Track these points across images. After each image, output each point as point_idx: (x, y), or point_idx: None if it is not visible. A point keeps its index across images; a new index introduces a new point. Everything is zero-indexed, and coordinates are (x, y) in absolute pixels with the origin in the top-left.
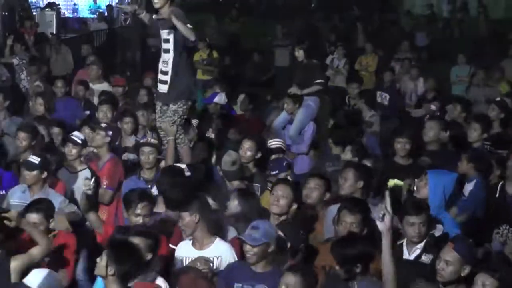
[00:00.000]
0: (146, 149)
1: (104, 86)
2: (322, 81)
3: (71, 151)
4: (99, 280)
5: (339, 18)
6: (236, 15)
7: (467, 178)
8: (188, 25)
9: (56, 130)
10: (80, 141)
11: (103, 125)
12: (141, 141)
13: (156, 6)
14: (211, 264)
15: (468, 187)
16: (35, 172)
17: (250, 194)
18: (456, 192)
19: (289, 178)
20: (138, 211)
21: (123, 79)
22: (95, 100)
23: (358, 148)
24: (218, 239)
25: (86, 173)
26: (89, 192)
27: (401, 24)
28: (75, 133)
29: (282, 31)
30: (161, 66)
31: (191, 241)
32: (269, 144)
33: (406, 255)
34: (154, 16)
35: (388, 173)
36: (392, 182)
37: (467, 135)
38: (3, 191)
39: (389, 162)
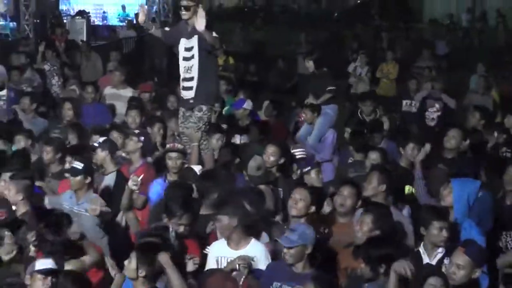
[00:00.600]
0: (173, 154)
1: (128, 91)
2: (334, 88)
3: (96, 155)
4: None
5: (361, 27)
6: (260, 23)
7: None
8: (214, 34)
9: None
10: (97, 145)
11: (136, 131)
12: (168, 146)
13: (184, 17)
14: (251, 263)
15: None
16: (79, 178)
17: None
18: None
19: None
20: (183, 221)
21: (150, 85)
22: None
23: (382, 153)
24: (253, 240)
25: (112, 176)
26: (135, 188)
27: (421, 33)
28: (94, 137)
29: (306, 39)
30: (183, 73)
31: (226, 241)
32: (293, 153)
33: (426, 260)
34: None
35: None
36: (407, 188)
37: (487, 142)
38: None
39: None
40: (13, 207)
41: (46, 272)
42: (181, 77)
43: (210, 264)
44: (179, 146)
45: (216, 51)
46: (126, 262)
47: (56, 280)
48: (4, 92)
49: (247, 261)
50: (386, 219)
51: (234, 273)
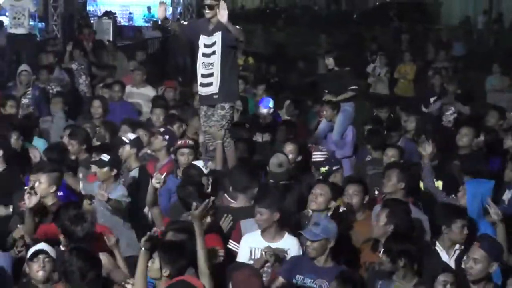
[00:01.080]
0: (185, 150)
1: (148, 90)
2: (356, 87)
3: (122, 151)
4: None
5: (380, 28)
6: (282, 25)
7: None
8: (237, 26)
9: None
10: (127, 141)
11: (161, 129)
12: (179, 142)
13: (208, 16)
14: (285, 255)
15: (509, 195)
16: (105, 169)
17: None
18: (495, 199)
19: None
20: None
21: (174, 82)
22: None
23: (399, 151)
24: (287, 233)
25: (136, 171)
26: (158, 185)
27: (438, 35)
28: (127, 134)
29: (326, 40)
30: (202, 70)
31: (260, 233)
32: (313, 157)
33: (445, 258)
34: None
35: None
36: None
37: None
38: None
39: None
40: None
41: (33, 255)
42: (200, 73)
43: (243, 254)
44: (190, 142)
45: (240, 44)
46: (149, 263)
47: (49, 258)
48: (29, 90)
49: (275, 252)
50: (401, 214)
51: (267, 264)
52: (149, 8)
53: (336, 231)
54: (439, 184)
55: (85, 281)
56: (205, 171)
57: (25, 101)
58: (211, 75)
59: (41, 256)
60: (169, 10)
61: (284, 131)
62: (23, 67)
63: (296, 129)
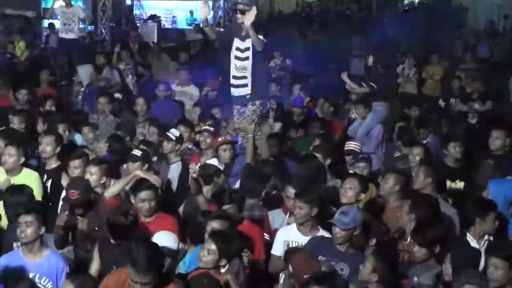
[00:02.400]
0: (227, 146)
1: (190, 89)
2: (373, 84)
3: (166, 145)
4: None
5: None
6: (317, 28)
7: None
8: (260, 36)
9: (152, 128)
10: (174, 138)
11: (207, 126)
12: (220, 139)
13: (240, 21)
14: None
15: None
16: (137, 164)
17: None
18: None
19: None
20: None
21: (216, 82)
22: None
23: (425, 149)
24: (321, 228)
25: (179, 164)
26: (194, 175)
27: (465, 37)
28: (172, 130)
29: (358, 42)
30: (235, 72)
31: (296, 227)
32: (345, 146)
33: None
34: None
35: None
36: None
37: None
38: None
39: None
40: None
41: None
42: (232, 74)
43: (278, 247)
44: (229, 138)
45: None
46: (202, 254)
47: None
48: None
49: None
50: (423, 205)
51: None
52: (191, 12)
53: (362, 220)
54: (461, 184)
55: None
56: (221, 168)
57: (79, 98)
58: (244, 77)
59: None
60: (210, 14)
61: (317, 128)
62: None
63: (329, 126)
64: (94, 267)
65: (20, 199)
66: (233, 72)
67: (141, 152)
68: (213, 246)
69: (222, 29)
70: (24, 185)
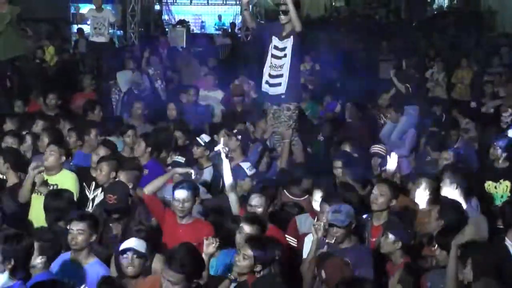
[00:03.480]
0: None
1: (219, 93)
2: (408, 86)
3: (195, 151)
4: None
5: (438, 36)
6: (345, 32)
7: None
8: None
9: (178, 133)
10: (203, 143)
11: (235, 130)
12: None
13: (283, 22)
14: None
15: None
16: (201, 148)
17: None
18: None
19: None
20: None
21: (241, 87)
22: None
23: (455, 153)
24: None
25: (210, 169)
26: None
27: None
28: (202, 135)
29: (386, 47)
30: (271, 70)
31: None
32: (371, 149)
33: None
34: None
35: (485, 176)
36: (487, 184)
37: None
38: None
39: (485, 166)
40: None
41: (122, 251)
42: (267, 72)
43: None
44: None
45: (299, 33)
46: (237, 259)
47: (138, 254)
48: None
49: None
50: (452, 210)
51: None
52: (219, 17)
53: (353, 213)
54: (507, 184)
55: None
56: (249, 173)
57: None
58: (280, 76)
59: (129, 253)
60: (239, 19)
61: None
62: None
63: (357, 131)
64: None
65: (59, 204)
66: (268, 70)
67: (184, 159)
68: (249, 252)
69: (262, 21)
70: (63, 190)
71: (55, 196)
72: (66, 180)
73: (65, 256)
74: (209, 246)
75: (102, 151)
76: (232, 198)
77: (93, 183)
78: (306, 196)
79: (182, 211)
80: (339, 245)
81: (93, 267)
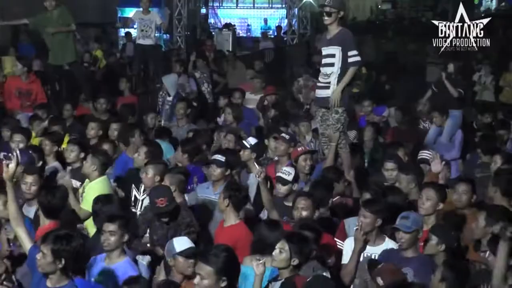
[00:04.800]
0: (308, 156)
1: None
2: (462, 91)
3: (242, 154)
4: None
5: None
6: (391, 35)
7: None
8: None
9: (229, 136)
10: (249, 146)
11: (285, 135)
12: (299, 149)
13: (326, 22)
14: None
15: None
16: (220, 170)
17: None
18: None
19: None
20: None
21: (273, 87)
22: None
23: (504, 157)
24: (387, 238)
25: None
26: (260, 179)
27: None
28: (248, 138)
29: (433, 50)
30: (321, 78)
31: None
32: (419, 155)
33: None
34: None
35: None
36: None
37: None
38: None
39: None
40: None
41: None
42: (319, 78)
43: (348, 258)
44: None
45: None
46: (275, 254)
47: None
48: (171, 98)
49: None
50: (497, 217)
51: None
52: (265, 20)
53: (422, 223)
54: None
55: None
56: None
57: (166, 107)
58: (327, 83)
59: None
60: (284, 22)
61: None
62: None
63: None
64: (160, 280)
65: (109, 208)
66: (320, 77)
67: (224, 158)
68: (284, 245)
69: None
70: (112, 195)
71: (104, 202)
72: (99, 182)
73: (101, 257)
74: (259, 267)
75: (144, 151)
76: (274, 216)
77: (142, 184)
78: (337, 197)
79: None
80: (403, 253)
81: (123, 266)
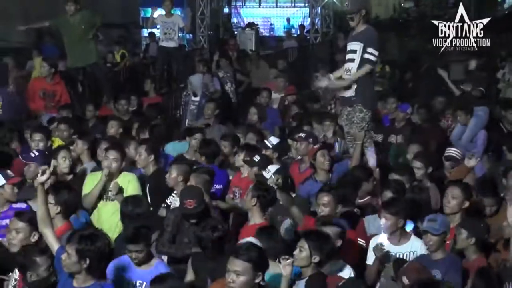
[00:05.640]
0: (325, 151)
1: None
2: (482, 89)
3: (264, 153)
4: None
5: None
6: (414, 33)
7: None
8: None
9: (250, 135)
10: (270, 145)
11: (302, 135)
12: (315, 146)
13: (352, 25)
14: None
15: None
16: (255, 169)
17: None
18: None
19: None
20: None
21: (294, 87)
22: None
23: None
24: (413, 236)
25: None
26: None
27: None
28: (270, 138)
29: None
30: (344, 73)
31: (387, 236)
32: (446, 152)
33: None
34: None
35: None
36: None
37: None
38: (220, 185)
39: None
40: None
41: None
42: (342, 76)
43: (372, 257)
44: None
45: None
46: (296, 252)
47: None
48: (197, 98)
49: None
50: None
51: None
52: (288, 20)
53: (449, 225)
54: None
55: None
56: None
57: (192, 107)
58: (350, 72)
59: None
60: (307, 21)
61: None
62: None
63: (429, 133)
64: (188, 280)
65: (138, 210)
66: (344, 73)
67: (259, 157)
68: (303, 243)
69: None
70: (140, 196)
71: (132, 203)
72: (127, 180)
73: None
74: (286, 267)
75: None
76: (294, 212)
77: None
78: (367, 198)
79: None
80: (431, 255)
81: (159, 268)
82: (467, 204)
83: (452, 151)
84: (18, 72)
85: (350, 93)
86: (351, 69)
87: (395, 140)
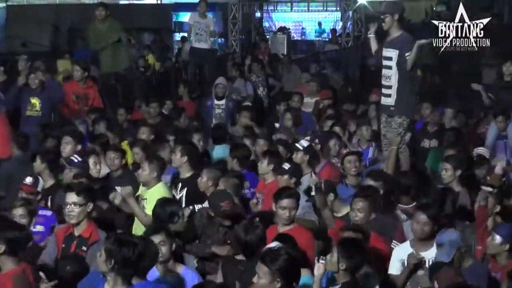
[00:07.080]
0: (352, 157)
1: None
2: (492, 97)
3: (295, 156)
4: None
5: None
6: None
7: None
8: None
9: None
10: (301, 148)
11: (301, 144)
12: (345, 151)
13: (385, 28)
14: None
15: None
16: (285, 177)
17: None
18: None
19: None
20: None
21: (328, 91)
22: None
23: None
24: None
25: (307, 177)
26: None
27: None
28: (301, 141)
29: (490, 51)
30: (383, 80)
31: (409, 244)
32: (475, 151)
33: None
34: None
35: None
36: None
37: None
38: (250, 189)
39: None
40: None
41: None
42: (382, 82)
43: (394, 266)
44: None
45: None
46: (328, 256)
47: None
48: (223, 101)
49: (419, 260)
50: None
51: (419, 272)
52: (319, 24)
53: (460, 236)
54: None
55: None
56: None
57: (218, 111)
58: (389, 87)
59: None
60: (339, 24)
61: (450, 138)
62: (220, 80)
63: (463, 136)
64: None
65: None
66: (382, 80)
67: (289, 165)
68: (335, 248)
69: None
70: (171, 199)
71: (163, 205)
72: (157, 194)
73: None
74: (319, 268)
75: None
76: (326, 214)
77: (180, 184)
78: (413, 204)
79: (288, 218)
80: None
81: (186, 275)
82: (498, 208)
83: (480, 150)
84: (45, 75)
85: (390, 101)
86: (391, 76)
87: (428, 145)
